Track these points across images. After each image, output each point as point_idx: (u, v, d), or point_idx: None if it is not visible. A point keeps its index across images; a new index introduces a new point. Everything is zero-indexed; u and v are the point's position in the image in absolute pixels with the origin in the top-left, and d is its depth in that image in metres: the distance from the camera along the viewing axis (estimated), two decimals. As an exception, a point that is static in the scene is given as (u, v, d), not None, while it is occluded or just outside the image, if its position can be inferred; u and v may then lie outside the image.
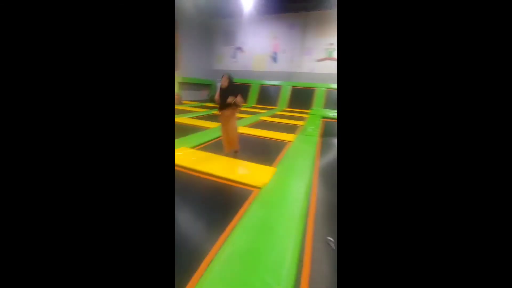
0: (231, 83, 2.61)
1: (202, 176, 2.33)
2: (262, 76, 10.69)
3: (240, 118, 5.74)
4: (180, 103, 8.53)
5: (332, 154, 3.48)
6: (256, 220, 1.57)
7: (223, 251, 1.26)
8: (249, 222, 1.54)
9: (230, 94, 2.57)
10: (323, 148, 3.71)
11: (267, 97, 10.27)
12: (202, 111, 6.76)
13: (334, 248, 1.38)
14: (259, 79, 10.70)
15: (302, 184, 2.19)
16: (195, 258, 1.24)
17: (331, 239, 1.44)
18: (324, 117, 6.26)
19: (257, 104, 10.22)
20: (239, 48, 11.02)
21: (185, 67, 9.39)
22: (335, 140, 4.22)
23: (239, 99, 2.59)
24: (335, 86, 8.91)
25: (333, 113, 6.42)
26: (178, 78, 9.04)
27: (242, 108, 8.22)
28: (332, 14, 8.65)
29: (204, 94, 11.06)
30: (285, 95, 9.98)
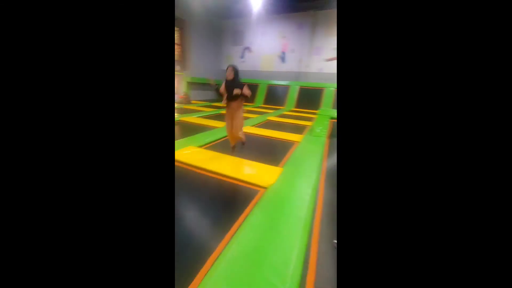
0: (236, 75, 2.57)
1: (209, 174, 2.36)
2: (270, 76, 10.64)
3: (247, 118, 5.76)
4: (189, 103, 8.64)
5: (340, 155, 3.43)
6: (262, 220, 1.57)
7: (228, 250, 1.26)
8: (254, 221, 1.54)
9: (236, 86, 2.55)
10: (331, 149, 3.65)
11: (274, 97, 10.21)
12: (210, 111, 6.83)
13: None
14: (267, 79, 10.65)
15: (308, 185, 2.17)
16: (200, 256, 1.25)
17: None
18: (332, 118, 6.16)
19: (264, 104, 10.20)
20: (248, 48, 11.02)
21: (194, 67, 9.49)
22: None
23: (246, 89, 2.55)
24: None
25: (342, 114, 6.29)
26: (187, 78, 9.16)
27: (249, 108, 8.23)
28: (341, 13, 8.52)
29: (212, 93, 11.15)
30: (293, 95, 9.89)
